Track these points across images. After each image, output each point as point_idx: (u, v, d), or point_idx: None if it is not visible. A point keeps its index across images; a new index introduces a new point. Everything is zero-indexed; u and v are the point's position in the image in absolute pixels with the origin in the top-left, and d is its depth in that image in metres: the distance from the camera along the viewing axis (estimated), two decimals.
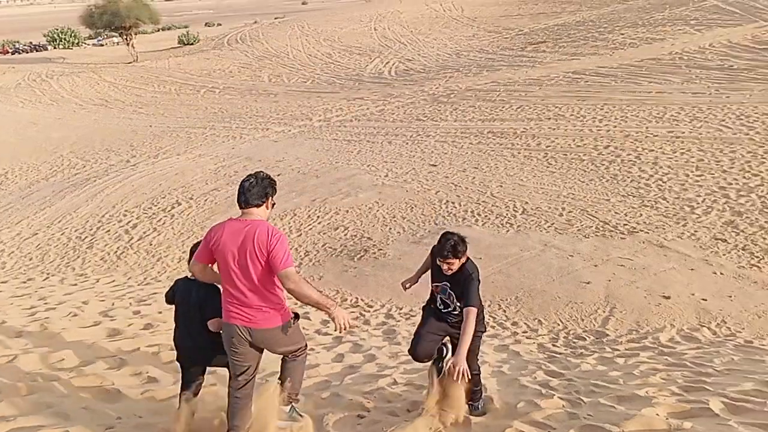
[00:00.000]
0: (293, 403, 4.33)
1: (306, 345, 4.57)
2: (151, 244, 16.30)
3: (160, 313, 10.05)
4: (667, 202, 15.15)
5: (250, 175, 4.44)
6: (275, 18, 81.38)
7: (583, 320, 10.52)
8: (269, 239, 3.96)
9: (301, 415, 4.40)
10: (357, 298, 12.09)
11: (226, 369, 4.67)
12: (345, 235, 15.53)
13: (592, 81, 27.88)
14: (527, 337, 9.69)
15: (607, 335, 9.68)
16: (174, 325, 5.09)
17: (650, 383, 5.73)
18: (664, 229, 13.73)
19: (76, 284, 13.31)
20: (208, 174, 22.10)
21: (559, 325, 10.44)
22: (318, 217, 16.85)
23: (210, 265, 4.37)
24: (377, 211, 16.69)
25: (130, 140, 29.43)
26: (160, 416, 4.89)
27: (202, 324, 4.68)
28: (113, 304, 10.56)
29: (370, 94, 33.67)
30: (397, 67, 40.22)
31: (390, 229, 15.53)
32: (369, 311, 11.42)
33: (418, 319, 10.41)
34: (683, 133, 19.79)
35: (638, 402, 4.92)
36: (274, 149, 24.70)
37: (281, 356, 4.39)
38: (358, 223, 16.09)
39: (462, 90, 30.67)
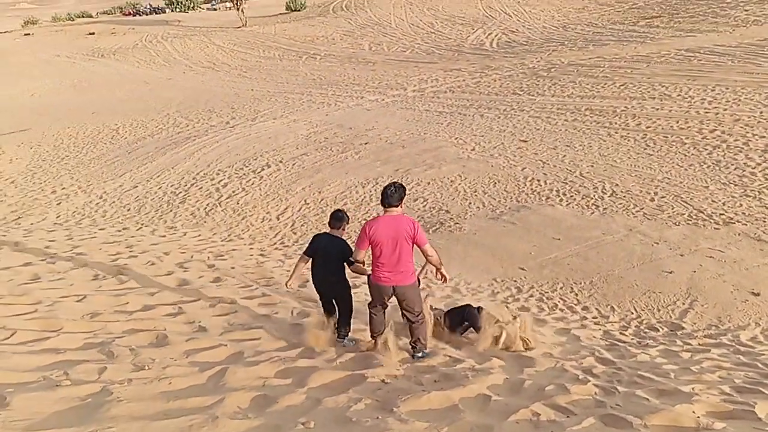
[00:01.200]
0: (424, 350, 6.15)
1: (422, 312, 6.32)
2: (238, 203, 16.91)
3: (233, 268, 10.46)
4: None
5: (390, 184, 6.18)
6: None
7: (659, 311, 9.97)
8: (413, 228, 5.95)
9: (427, 353, 6.22)
10: (426, 270, 12.01)
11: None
12: (423, 206, 15.47)
13: (706, 60, 25.97)
14: (595, 323, 9.31)
15: (683, 328, 9.14)
16: (312, 268, 6.68)
17: (703, 380, 5.36)
18: (764, 221, 12.71)
19: (165, 236, 14.08)
20: (299, 139, 22.57)
21: (632, 313, 9.96)
22: None
23: (366, 250, 6.06)
24: (459, 184, 16.48)
25: (232, 102, 30.48)
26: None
27: (334, 266, 6.54)
28: (192, 257, 11.07)
29: (468, 65, 33.05)
30: (499, 38, 39.16)
31: (470, 203, 15.31)
32: (437, 283, 11.32)
33: (485, 294, 10.31)
34: None
35: (678, 397, 4.61)
36: (366, 117, 24.83)
37: (410, 321, 6.13)
38: (438, 195, 15.97)
39: (564, 64, 29.47)
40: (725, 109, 19.95)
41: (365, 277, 6.45)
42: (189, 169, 20.23)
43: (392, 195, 6.03)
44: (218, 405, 4.23)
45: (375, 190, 16.78)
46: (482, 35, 40.69)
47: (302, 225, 15.17)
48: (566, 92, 24.75)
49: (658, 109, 20.90)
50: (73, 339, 5.51)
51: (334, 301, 6.72)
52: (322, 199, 16.65)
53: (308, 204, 16.47)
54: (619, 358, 6.58)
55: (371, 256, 6.08)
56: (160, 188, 18.61)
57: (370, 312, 6.31)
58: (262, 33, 51.48)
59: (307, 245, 6.84)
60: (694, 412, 4.30)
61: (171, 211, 16.72)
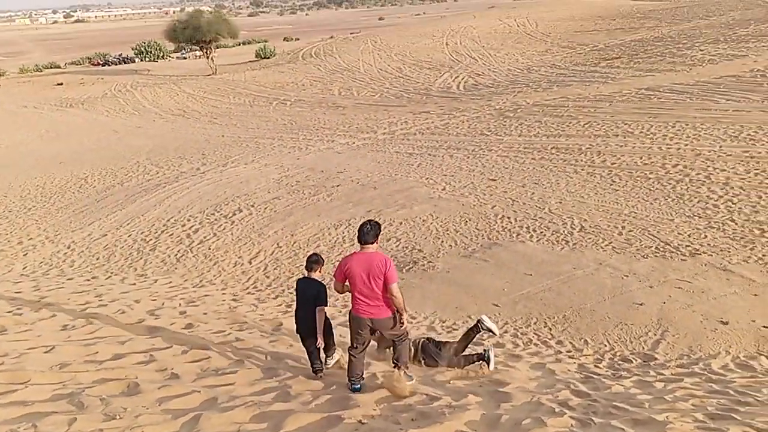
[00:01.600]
0: (405, 370, 6.42)
1: (407, 333, 6.68)
2: (209, 249, 16.79)
3: (205, 314, 10.35)
4: (736, 224, 14.38)
5: (366, 221, 6.58)
6: (350, 33, 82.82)
7: (631, 342, 10.08)
8: (384, 265, 6.23)
9: (410, 377, 6.49)
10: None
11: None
12: (396, 246, 15.54)
13: (666, 98, 26.89)
14: (570, 357, 9.37)
15: (656, 359, 9.24)
16: (295, 310, 7.20)
17: (676, 409, 5.43)
18: (729, 252, 13.03)
19: (134, 284, 13.89)
20: (271, 183, 22.62)
21: (605, 346, 10.05)
22: None
23: (342, 282, 6.48)
24: (431, 223, 16.62)
25: (203, 149, 30.51)
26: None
27: (306, 309, 6.96)
28: (163, 304, 10.94)
29: (436, 108, 33.68)
30: (466, 81, 40.09)
31: (442, 242, 15.43)
32: (412, 322, 11.32)
33: (460, 332, 10.32)
34: (759, 153, 18.78)
35: (653, 427, 4.67)
36: (337, 160, 25.03)
37: (393, 340, 6.49)
38: (410, 234, 16.07)
39: (529, 105, 30.23)
40: (686, 145, 20.58)
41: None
42: (159, 216, 20.08)
43: (368, 232, 6.38)
44: None
45: (348, 231, 16.83)
46: (449, 79, 41.62)
47: (275, 269, 15.10)
48: (532, 132, 25.32)
49: (622, 146, 21.47)
50: (42, 391, 5.39)
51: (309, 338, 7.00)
52: (294, 242, 16.63)
53: (281, 247, 16.42)
54: (594, 390, 6.63)
55: (350, 290, 6.45)
56: (129, 236, 18.41)
57: (350, 355, 6.48)
58: (232, 80, 51.95)
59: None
60: None
61: (141, 258, 16.52)
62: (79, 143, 35.04)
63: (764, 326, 10.09)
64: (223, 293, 13.23)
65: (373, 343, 7.32)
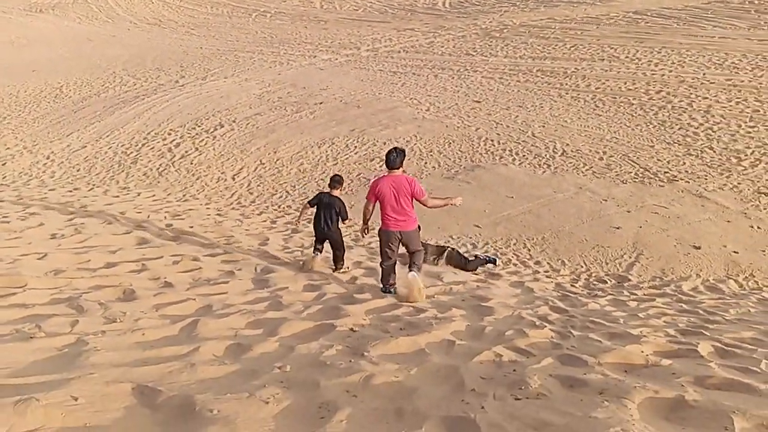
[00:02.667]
0: (418, 270, 7.10)
1: (422, 246, 7.60)
2: (192, 163, 16.71)
3: (191, 227, 10.43)
4: (714, 152, 14.68)
5: (392, 149, 7.16)
6: None
7: (607, 264, 10.47)
8: (410, 184, 6.97)
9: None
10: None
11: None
12: (380, 166, 15.58)
13: (653, 22, 26.61)
14: (547, 276, 9.71)
15: (629, 280, 9.63)
16: (315, 216, 8.35)
17: (649, 324, 5.74)
18: (706, 179, 13.36)
19: (118, 196, 13.85)
20: (252, 98, 22.27)
21: (582, 267, 10.42)
22: (355, 147, 16.93)
23: (374, 202, 7.16)
24: (414, 144, 16.66)
25: (181, 60, 29.72)
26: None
27: (332, 217, 8.16)
28: (148, 217, 10.97)
29: (421, 25, 32.96)
30: None
31: (425, 163, 15.53)
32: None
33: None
34: (742, 81, 18.91)
35: (628, 339, 4.96)
36: (319, 77, 24.63)
37: (414, 251, 7.21)
38: None
39: (516, 25, 29.72)
40: (670, 71, 20.61)
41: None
42: (139, 128, 19.78)
43: (395, 159, 7.03)
44: (194, 353, 4.33)
45: (331, 150, 16.82)
46: None
47: (258, 185, 15.14)
48: (518, 53, 25.05)
49: (606, 71, 21.41)
50: (40, 294, 5.49)
51: (328, 242, 8.37)
52: (277, 159, 16.60)
53: (264, 164, 16.40)
54: (571, 306, 6.94)
55: (380, 209, 7.11)
56: (110, 148, 18.18)
57: (382, 267, 7.31)
58: None
59: (312, 198, 8.61)
60: (642, 351, 4.63)
61: (123, 171, 16.41)
62: (51, 51, 33.81)
63: (735, 251, 10.52)
64: (208, 208, 13.28)
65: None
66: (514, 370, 4.10)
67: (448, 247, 10.14)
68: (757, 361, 4.46)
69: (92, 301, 5.47)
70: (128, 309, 5.39)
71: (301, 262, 8.43)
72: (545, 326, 5.54)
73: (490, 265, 9.87)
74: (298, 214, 10.01)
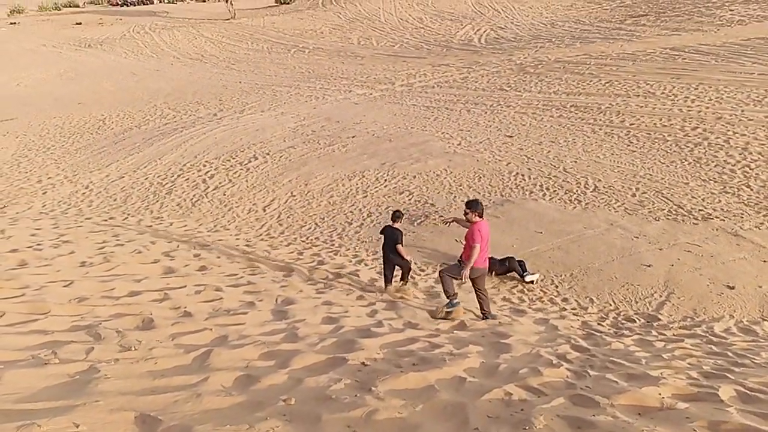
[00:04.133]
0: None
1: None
2: (224, 195, 17.00)
3: (218, 257, 10.58)
4: (751, 190, 14.31)
5: (477, 199, 8.81)
6: None
7: (636, 303, 10.23)
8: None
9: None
10: (410, 261, 12.18)
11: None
12: (409, 199, 15.63)
13: (690, 59, 26.32)
14: (574, 314, 9.53)
15: (659, 320, 9.38)
16: (382, 246, 10.00)
17: (672, 366, 5.57)
18: (742, 217, 13.00)
19: (151, 225, 14.15)
20: (287, 131, 22.65)
21: (610, 305, 10.20)
22: (385, 180, 17.02)
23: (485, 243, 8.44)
24: (444, 178, 16.67)
25: (220, 94, 30.47)
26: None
27: (394, 247, 9.67)
28: (178, 246, 11.17)
29: (456, 61, 33.22)
30: (488, 34, 39.37)
31: (455, 197, 15.49)
32: (420, 275, 11.52)
33: (466, 285, 10.49)
34: None
35: (645, 380, 4.81)
36: (354, 111, 24.94)
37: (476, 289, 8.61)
38: (423, 189, 16.14)
39: (551, 61, 29.72)
40: (707, 108, 20.28)
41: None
42: (176, 160, 20.26)
43: (482, 207, 8.44)
44: (202, 383, 4.37)
45: (361, 183, 16.93)
46: (471, 31, 40.89)
47: (288, 217, 15.29)
48: (552, 89, 25.00)
49: (642, 107, 21.19)
50: (61, 321, 5.63)
51: (396, 267, 9.96)
52: (308, 192, 16.77)
53: (295, 196, 16.58)
54: (594, 345, 6.79)
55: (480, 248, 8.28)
56: (146, 179, 18.64)
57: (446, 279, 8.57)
58: (251, 25, 51.34)
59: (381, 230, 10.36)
60: (660, 393, 4.49)
61: (157, 201, 16.77)
62: (97, 84, 35.08)
63: None
64: (237, 238, 13.46)
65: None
66: (522, 410, 4.02)
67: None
68: None
69: (110, 329, 5.57)
70: (145, 337, 5.47)
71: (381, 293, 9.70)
72: (562, 365, 5.42)
73: (528, 279, 11.03)
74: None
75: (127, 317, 6.17)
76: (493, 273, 11.09)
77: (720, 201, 13.88)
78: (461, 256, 8.66)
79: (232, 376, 4.63)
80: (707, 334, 8.44)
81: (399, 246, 9.71)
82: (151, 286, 7.55)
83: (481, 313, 8.68)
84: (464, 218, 8.76)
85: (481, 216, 8.40)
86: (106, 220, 14.20)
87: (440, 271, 8.85)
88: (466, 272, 8.20)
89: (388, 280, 9.88)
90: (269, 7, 62.54)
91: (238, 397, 4.17)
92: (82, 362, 4.60)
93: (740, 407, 4.20)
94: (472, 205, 8.53)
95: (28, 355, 4.61)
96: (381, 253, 10.14)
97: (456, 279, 8.44)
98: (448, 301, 8.51)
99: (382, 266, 10.09)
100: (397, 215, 10.09)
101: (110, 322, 5.90)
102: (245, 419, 3.68)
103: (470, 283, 8.67)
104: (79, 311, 6.19)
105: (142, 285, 7.58)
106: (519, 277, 11.25)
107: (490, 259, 9.92)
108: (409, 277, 10.22)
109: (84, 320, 5.87)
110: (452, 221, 9.62)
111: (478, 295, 8.71)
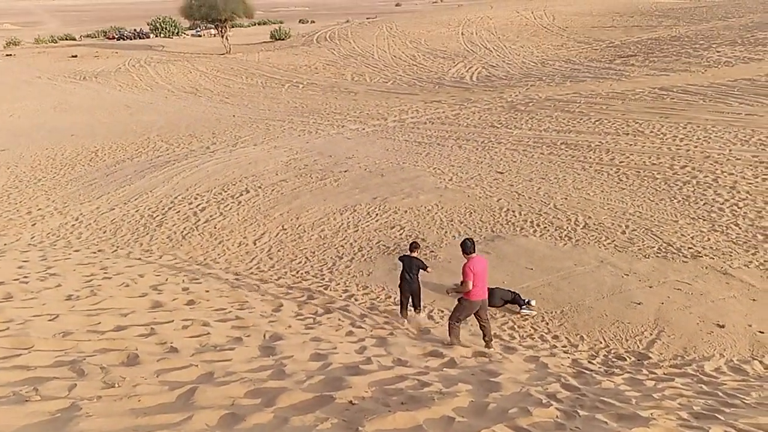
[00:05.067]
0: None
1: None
2: (215, 228, 16.95)
3: (207, 291, 10.50)
4: (740, 228, 14.40)
5: (469, 238, 9.05)
6: (367, 18, 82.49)
7: (627, 341, 10.19)
8: (486, 263, 9.01)
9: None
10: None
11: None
12: (400, 234, 15.63)
13: (679, 98, 26.76)
14: (564, 352, 9.48)
15: (650, 358, 9.34)
16: (401, 274, 10.73)
17: (663, 406, 5.52)
18: (731, 255, 13.06)
19: (140, 258, 14.06)
20: (279, 165, 22.72)
21: (601, 343, 10.16)
22: (377, 214, 17.04)
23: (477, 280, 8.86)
24: (435, 213, 16.70)
25: (213, 128, 30.63)
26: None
27: (413, 275, 10.54)
28: (167, 280, 11.09)
29: (448, 97, 33.63)
30: (479, 72, 39.95)
31: (446, 232, 15.51)
32: (411, 310, 11.43)
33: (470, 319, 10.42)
34: None
35: (636, 421, 4.76)
36: (346, 146, 25.10)
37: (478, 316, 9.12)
38: (414, 223, 16.16)
39: (541, 99, 30.14)
40: (696, 146, 20.54)
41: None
42: (167, 192, 20.24)
43: (473, 246, 8.87)
44: (186, 422, 4.29)
45: (353, 217, 16.94)
46: (463, 69, 41.49)
47: (279, 251, 15.24)
48: (543, 126, 25.29)
49: (631, 145, 21.44)
50: (44, 357, 5.54)
51: (411, 296, 10.72)
52: (299, 225, 16.75)
53: (286, 230, 16.55)
54: (584, 384, 6.74)
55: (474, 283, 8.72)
56: (137, 211, 18.58)
57: (456, 325, 9.17)
58: (246, 60, 51.94)
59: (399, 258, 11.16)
60: None
61: (147, 234, 16.70)
62: (90, 116, 35.22)
63: (760, 331, 10.16)
64: (227, 272, 13.38)
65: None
66: None
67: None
68: None
69: (94, 365, 5.49)
70: (129, 374, 5.39)
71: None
72: (552, 404, 5.37)
73: (525, 310, 11.32)
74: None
75: (112, 352, 6.08)
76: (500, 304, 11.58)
77: (709, 239, 13.96)
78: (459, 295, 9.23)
79: (217, 414, 4.55)
80: (698, 373, 8.41)
81: (425, 270, 10.83)
82: (138, 321, 7.47)
83: (485, 341, 9.28)
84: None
85: (471, 253, 8.82)
86: (94, 253, 14.10)
87: (449, 321, 9.39)
88: (456, 315, 9.10)
89: (404, 307, 10.74)
90: (264, 42, 63.47)
91: None
92: (63, 399, 4.52)
93: None
94: (462, 247, 9.02)
95: (9, 391, 4.52)
96: (399, 281, 10.86)
97: (459, 320, 9.19)
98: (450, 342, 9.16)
99: (399, 294, 10.96)
100: (416, 246, 10.98)
101: (94, 357, 5.81)
102: None
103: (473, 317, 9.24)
104: (64, 346, 6.10)
105: (128, 319, 7.49)
106: (519, 307, 11.46)
107: (493, 290, 11.06)
108: (421, 306, 11.03)
109: (68, 355, 5.78)
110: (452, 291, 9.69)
111: (481, 326, 9.28)
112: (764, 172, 17.69)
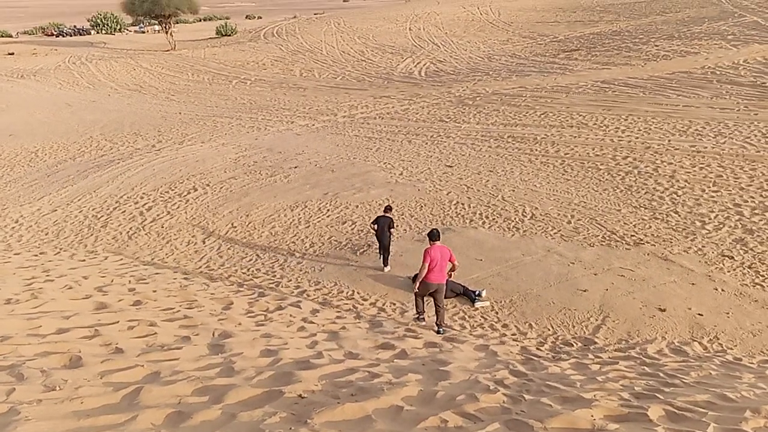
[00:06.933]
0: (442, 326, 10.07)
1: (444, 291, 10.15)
2: (162, 227, 16.62)
3: (155, 291, 10.29)
4: (679, 215, 14.91)
5: (436, 228, 10.35)
6: (314, 14, 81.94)
7: (574, 327, 10.43)
8: (450, 252, 9.98)
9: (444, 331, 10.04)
10: (353, 291, 12.16)
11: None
12: (352, 229, 15.64)
13: (620, 91, 27.51)
14: (514, 339, 9.65)
15: (596, 343, 9.60)
16: (376, 231, 13.06)
17: (605, 388, 5.69)
18: (671, 242, 13.52)
19: (84, 260, 13.67)
20: (228, 162, 22.43)
21: (549, 330, 10.38)
22: (328, 210, 16.99)
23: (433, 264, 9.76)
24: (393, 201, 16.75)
25: (159, 126, 29.99)
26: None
27: (384, 231, 12.89)
28: (112, 281, 10.82)
29: (397, 93, 33.74)
30: (427, 67, 40.20)
31: (397, 225, 15.53)
32: (363, 304, 11.48)
33: (409, 314, 10.51)
34: (705, 147, 19.43)
35: (579, 403, 4.90)
36: (296, 142, 24.93)
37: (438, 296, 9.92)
38: (366, 218, 16.18)
39: (488, 93, 30.54)
40: (637, 137, 21.16)
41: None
42: (112, 192, 19.74)
43: (438, 235, 10.04)
44: (131, 422, 4.20)
45: (303, 213, 16.85)
46: (411, 64, 41.68)
47: (228, 248, 15.05)
48: (490, 120, 25.63)
49: (575, 137, 21.93)
50: None
51: (381, 249, 13.14)
52: (249, 222, 16.58)
53: (235, 227, 16.36)
54: (531, 370, 6.88)
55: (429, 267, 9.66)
56: (80, 212, 18.06)
57: (417, 300, 10.44)
58: (191, 57, 51.00)
59: (373, 220, 13.39)
60: (592, 416, 4.57)
61: (92, 235, 16.25)
62: (30, 116, 34.01)
63: (699, 314, 10.55)
64: (175, 272, 13.14)
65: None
66: None
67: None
68: (706, 424, 4.43)
69: (34, 369, 5.32)
70: (71, 376, 5.24)
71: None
72: (498, 390, 5.46)
73: (478, 303, 11.49)
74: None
75: (54, 356, 5.91)
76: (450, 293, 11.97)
77: (650, 227, 14.41)
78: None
79: (163, 413, 4.48)
80: (641, 356, 8.68)
81: (393, 229, 13.10)
82: (81, 323, 7.26)
83: (436, 324, 10.05)
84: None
85: (434, 241, 9.91)
86: (36, 255, 13.65)
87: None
88: (415, 285, 10.03)
89: (385, 262, 13.11)
90: (210, 38, 62.36)
91: None
92: (1, 404, 4.37)
93: (668, 426, 4.32)
94: (428, 235, 10.26)
95: None
96: (376, 237, 13.29)
97: (417, 296, 10.30)
98: (416, 314, 10.53)
99: (379, 248, 13.32)
100: (389, 209, 13.49)
101: (35, 361, 5.63)
102: None
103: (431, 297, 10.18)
104: (2, 351, 5.90)
105: (71, 322, 7.28)
106: (472, 303, 11.59)
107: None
108: (388, 262, 13.14)
109: (6, 360, 5.59)
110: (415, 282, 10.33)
111: (435, 307, 10.08)
112: (701, 161, 18.35)
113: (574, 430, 4.19)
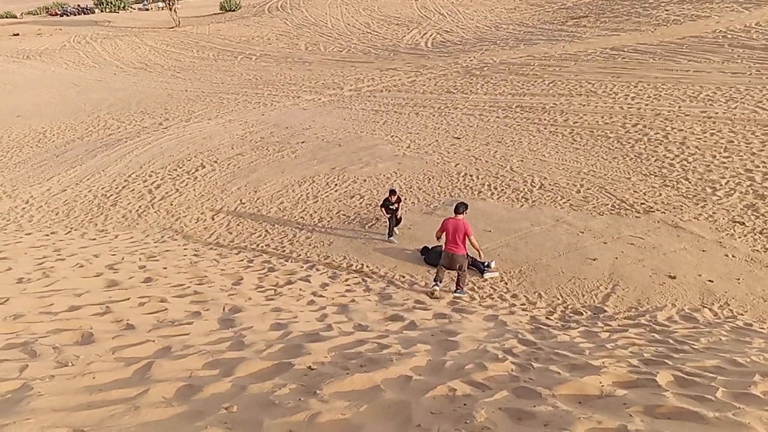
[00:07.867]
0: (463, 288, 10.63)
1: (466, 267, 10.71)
2: (171, 204, 16.68)
3: (165, 268, 10.35)
4: (689, 182, 14.78)
5: (461, 203, 10.69)
6: None
7: (583, 296, 10.43)
8: (465, 227, 10.31)
9: (463, 291, 10.68)
10: (362, 264, 12.19)
11: None
12: (360, 203, 15.63)
13: (630, 58, 27.12)
14: (523, 309, 9.65)
15: (605, 311, 9.58)
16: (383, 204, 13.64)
17: (614, 355, 5.69)
18: (681, 209, 13.43)
19: (95, 239, 13.76)
20: (235, 139, 22.40)
21: (558, 299, 10.37)
22: (336, 184, 16.98)
23: (441, 233, 10.52)
24: (395, 181, 16.72)
25: (165, 103, 29.95)
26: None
27: (390, 211, 13.46)
28: (123, 259, 10.88)
29: (404, 65, 33.44)
30: (434, 38, 39.78)
31: (405, 198, 15.52)
32: (372, 277, 11.51)
33: (419, 287, 10.54)
34: (716, 113, 19.18)
35: (588, 370, 4.90)
36: (303, 117, 24.83)
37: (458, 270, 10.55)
38: (374, 192, 16.16)
39: (496, 63, 30.21)
40: (647, 104, 20.90)
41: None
42: (120, 171, 19.80)
43: (459, 209, 10.46)
44: (142, 396, 4.25)
45: (311, 188, 16.85)
46: (417, 35, 41.26)
47: (237, 225, 15.10)
48: (498, 90, 25.39)
49: (584, 105, 21.70)
50: None
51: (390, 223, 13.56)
52: (258, 198, 16.60)
53: (244, 203, 16.39)
54: (540, 339, 6.88)
55: (444, 237, 10.45)
56: (90, 191, 18.15)
57: (438, 271, 10.74)
58: (196, 33, 50.71)
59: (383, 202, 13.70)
60: (600, 382, 4.58)
61: (102, 214, 16.35)
62: (37, 96, 34.05)
63: (710, 280, 10.51)
64: (185, 248, 13.20)
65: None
66: (465, 405, 4.04)
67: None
68: (714, 389, 4.42)
69: (47, 346, 5.37)
70: (83, 352, 5.29)
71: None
72: (507, 359, 5.47)
73: (487, 274, 11.53)
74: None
75: (66, 332, 5.96)
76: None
77: (660, 194, 14.30)
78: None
79: (174, 386, 4.52)
80: (651, 323, 8.66)
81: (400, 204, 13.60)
82: (93, 300, 7.32)
83: (455, 286, 10.73)
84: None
85: (457, 214, 10.47)
86: (47, 235, 13.75)
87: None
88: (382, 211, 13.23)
89: (391, 233, 13.41)
90: (214, 14, 61.94)
91: (179, 407, 4.08)
92: (14, 380, 4.43)
93: (676, 391, 4.32)
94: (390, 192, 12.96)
95: None
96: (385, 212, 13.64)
97: (435, 265, 10.99)
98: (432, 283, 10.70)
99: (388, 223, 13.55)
100: (392, 192, 13.39)
101: (47, 338, 5.69)
102: (184, 429, 3.60)
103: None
104: (15, 329, 5.96)
105: (82, 299, 7.34)
106: (481, 274, 11.62)
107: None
108: (395, 233, 13.48)
109: (19, 338, 5.65)
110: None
111: (458, 274, 10.69)
112: (712, 127, 18.13)
113: (583, 396, 4.20)
